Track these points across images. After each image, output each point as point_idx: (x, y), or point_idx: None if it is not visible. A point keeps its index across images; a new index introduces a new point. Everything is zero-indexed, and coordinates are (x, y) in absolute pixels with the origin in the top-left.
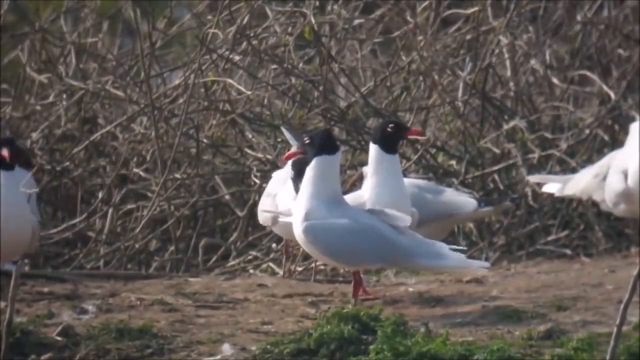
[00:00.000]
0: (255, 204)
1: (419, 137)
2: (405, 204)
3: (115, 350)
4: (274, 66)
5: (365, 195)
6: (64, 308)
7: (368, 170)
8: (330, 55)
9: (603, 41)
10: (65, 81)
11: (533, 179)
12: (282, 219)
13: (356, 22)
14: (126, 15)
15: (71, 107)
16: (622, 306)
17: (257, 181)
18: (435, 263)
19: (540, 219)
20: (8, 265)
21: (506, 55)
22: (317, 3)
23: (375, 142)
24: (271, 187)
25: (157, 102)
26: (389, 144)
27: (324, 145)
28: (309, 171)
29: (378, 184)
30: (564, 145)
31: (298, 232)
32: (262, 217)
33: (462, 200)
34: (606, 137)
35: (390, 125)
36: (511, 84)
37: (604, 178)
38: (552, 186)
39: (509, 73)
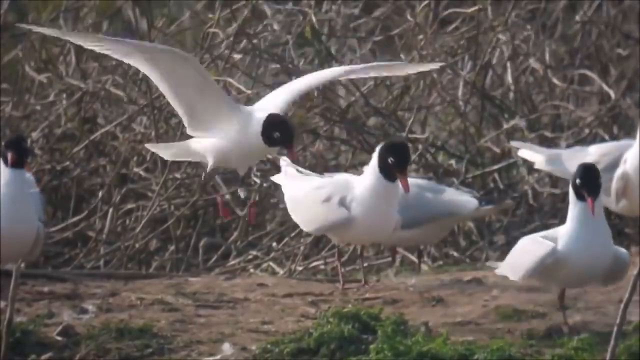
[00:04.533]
0: (255, 204)
1: None
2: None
3: (116, 349)
4: (274, 65)
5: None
6: (64, 308)
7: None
8: (329, 54)
9: (602, 40)
10: (65, 80)
11: (515, 144)
12: None
13: (356, 21)
14: (125, 14)
15: (71, 107)
16: (622, 306)
17: (257, 180)
18: None
19: (541, 218)
20: (8, 265)
21: (506, 54)
22: (314, 2)
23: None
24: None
25: (157, 101)
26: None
27: None
28: None
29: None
30: (563, 144)
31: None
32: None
33: (463, 199)
34: (606, 136)
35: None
36: (510, 82)
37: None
38: (532, 155)
39: (508, 72)
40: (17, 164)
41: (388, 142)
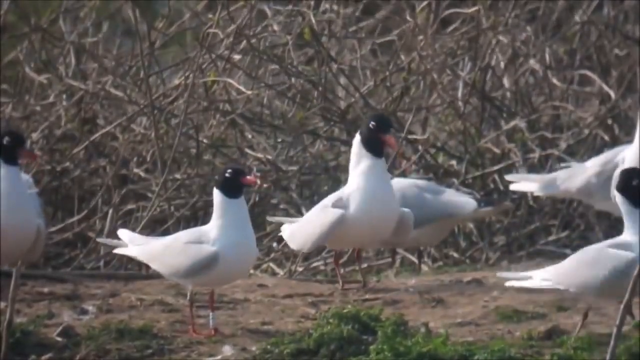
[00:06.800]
0: (255, 204)
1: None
2: None
3: (116, 350)
4: (274, 66)
5: None
6: (64, 308)
7: None
8: (329, 55)
9: (602, 41)
10: (65, 81)
11: (509, 178)
12: None
13: (357, 23)
14: (125, 15)
15: (71, 108)
16: (622, 306)
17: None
18: None
19: (541, 219)
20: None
21: (505, 55)
22: (314, 3)
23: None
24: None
25: (157, 102)
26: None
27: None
28: None
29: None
30: (563, 145)
31: None
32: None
33: (463, 200)
34: (606, 137)
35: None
36: (510, 83)
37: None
38: (528, 185)
39: (508, 73)
40: (11, 160)
41: (367, 117)
